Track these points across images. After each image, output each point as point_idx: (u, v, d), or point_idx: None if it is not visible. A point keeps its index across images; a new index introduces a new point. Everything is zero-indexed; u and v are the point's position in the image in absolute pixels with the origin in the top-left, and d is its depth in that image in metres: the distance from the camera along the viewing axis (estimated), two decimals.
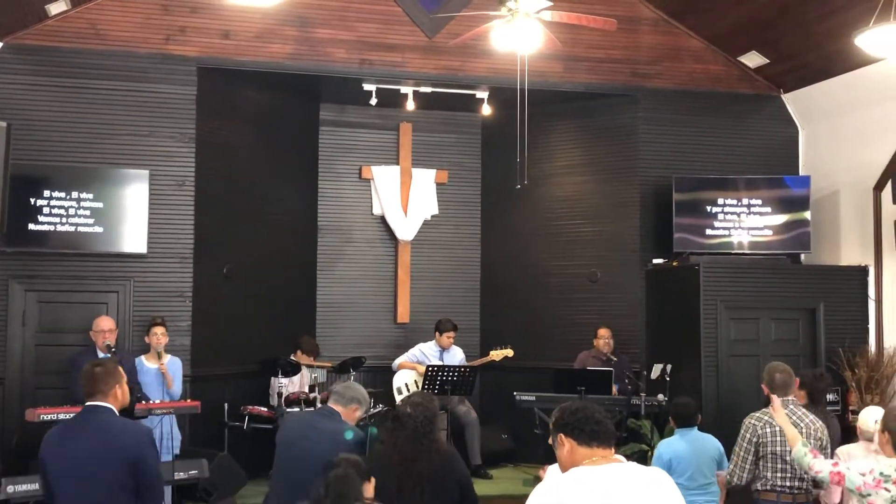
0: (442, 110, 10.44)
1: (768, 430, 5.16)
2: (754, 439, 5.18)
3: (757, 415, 5.29)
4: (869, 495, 4.40)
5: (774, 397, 5.23)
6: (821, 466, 4.71)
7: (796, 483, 5.12)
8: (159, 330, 7.83)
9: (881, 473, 4.36)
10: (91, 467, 3.98)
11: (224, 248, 9.07)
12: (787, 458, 5.10)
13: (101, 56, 8.54)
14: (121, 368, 4.34)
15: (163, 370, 7.70)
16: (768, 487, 5.16)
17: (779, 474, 5.13)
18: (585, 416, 3.16)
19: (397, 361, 9.40)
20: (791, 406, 5.26)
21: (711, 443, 6.03)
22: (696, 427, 6.10)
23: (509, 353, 9.31)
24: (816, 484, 5.21)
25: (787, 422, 5.06)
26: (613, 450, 3.18)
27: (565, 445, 3.18)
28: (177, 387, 7.79)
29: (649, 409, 8.23)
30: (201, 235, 8.73)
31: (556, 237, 10.23)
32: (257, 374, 8.83)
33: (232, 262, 9.15)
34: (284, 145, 9.90)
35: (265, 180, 9.62)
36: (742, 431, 5.28)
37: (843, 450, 5.66)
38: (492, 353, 9.36)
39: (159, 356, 7.77)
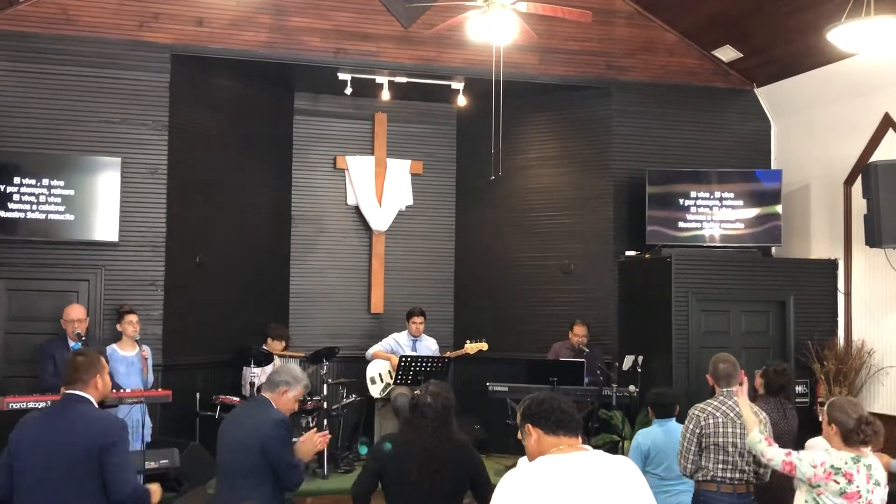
0: (417, 101, 10.44)
1: (711, 421, 5.18)
2: (697, 430, 5.20)
3: (701, 405, 5.29)
4: (819, 486, 4.44)
5: (744, 382, 5.26)
6: (773, 454, 4.72)
7: (737, 475, 5.14)
8: (134, 318, 7.79)
9: (832, 466, 4.40)
10: (59, 457, 3.97)
11: (196, 237, 9.02)
12: (730, 450, 5.12)
13: (72, 42, 8.45)
14: (104, 359, 4.30)
15: (145, 356, 7.68)
16: (709, 478, 5.18)
17: (720, 465, 5.15)
18: (551, 407, 3.20)
19: (371, 351, 9.40)
20: (735, 397, 5.26)
21: None
22: (674, 418, 6.12)
23: (484, 346, 9.32)
24: (759, 477, 5.24)
25: (747, 407, 5.08)
26: (581, 438, 3.22)
27: (532, 435, 3.23)
28: (151, 375, 7.77)
29: (620, 399, 8.27)
30: (173, 224, 8.68)
31: (530, 229, 10.26)
32: (229, 363, 8.78)
33: (204, 251, 9.11)
34: (258, 134, 9.85)
35: (238, 169, 9.57)
36: (686, 422, 5.28)
37: (811, 442, 5.68)
38: (467, 345, 9.37)
39: (137, 344, 7.74)
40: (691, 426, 5.22)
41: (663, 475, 5.90)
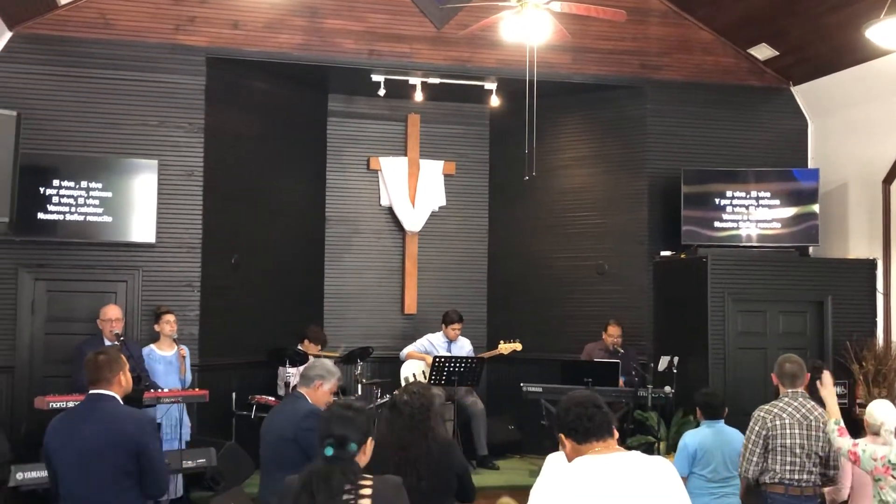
0: (450, 101, 10.44)
1: (777, 422, 5.14)
2: (763, 432, 5.16)
3: (766, 407, 5.26)
4: (880, 480, 4.49)
5: (827, 373, 5.28)
6: (841, 443, 4.86)
7: (804, 476, 5.10)
8: (172, 318, 7.87)
9: (889, 461, 4.44)
10: (94, 455, 4.02)
11: (232, 238, 9.09)
12: (797, 452, 5.09)
13: (110, 46, 8.55)
14: (123, 356, 4.37)
15: (183, 354, 7.76)
16: (776, 480, 5.14)
17: (787, 467, 5.11)
18: (578, 416, 3.19)
19: (405, 351, 9.43)
20: (801, 399, 5.24)
21: (737, 437, 5.95)
22: (722, 420, 6.06)
23: (518, 346, 9.31)
24: (827, 480, 5.20)
25: (833, 396, 5.09)
26: (616, 435, 3.21)
27: (566, 445, 3.24)
28: (189, 374, 7.86)
29: (656, 401, 8.23)
30: (209, 225, 8.75)
31: (564, 229, 10.23)
32: (265, 363, 8.84)
33: (240, 252, 9.18)
34: (293, 136, 9.91)
35: (273, 171, 9.64)
36: (751, 424, 5.25)
37: None
38: (500, 345, 9.37)
39: (176, 343, 7.82)
40: (756, 428, 5.18)
41: (710, 477, 5.85)
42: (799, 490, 5.11)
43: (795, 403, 5.19)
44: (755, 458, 5.18)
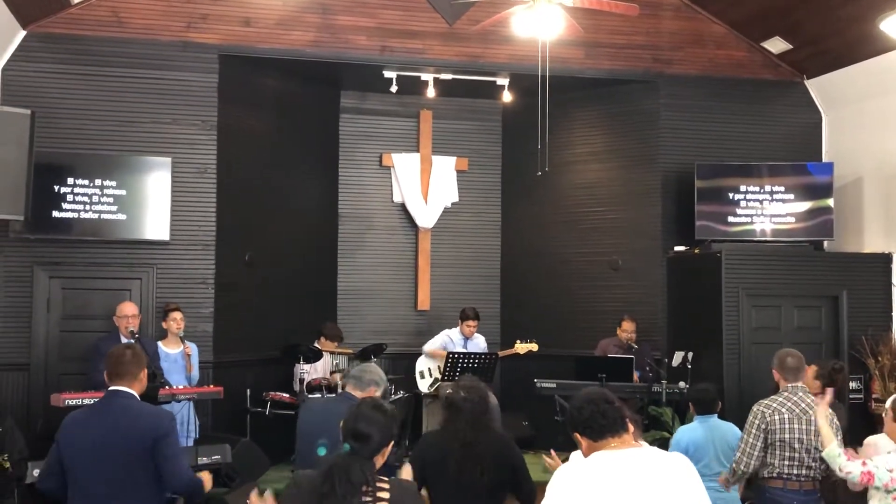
0: (462, 97, 10.43)
1: (777, 417, 5.10)
2: (763, 426, 5.13)
3: (766, 402, 5.22)
4: (895, 491, 4.41)
5: (830, 391, 5.21)
6: (851, 468, 4.69)
7: (803, 471, 5.06)
8: (178, 315, 7.87)
9: None
10: (111, 451, 4.02)
11: (246, 236, 9.11)
12: (796, 447, 5.05)
13: (123, 44, 8.58)
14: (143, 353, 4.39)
15: (188, 352, 7.77)
16: (774, 475, 5.11)
17: (786, 462, 5.08)
18: (592, 414, 3.18)
19: (428, 349, 9.35)
20: (801, 393, 5.20)
21: (730, 431, 5.96)
22: (715, 414, 6.06)
23: (534, 347, 9.26)
24: (829, 475, 5.15)
25: (825, 419, 4.99)
26: (631, 429, 3.20)
27: (582, 443, 3.25)
28: (196, 372, 7.86)
29: (670, 396, 8.20)
30: (223, 223, 8.77)
31: (577, 224, 10.21)
32: (279, 360, 8.87)
33: (254, 250, 9.20)
34: (305, 133, 9.93)
35: (286, 168, 9.66)
36: (750, 418, 5.21)
37: (870, 440, 5.59)
38: (517, 345, 9.32)
39: (182, 341, 7.84)
40: (756, 422, 5.15)
41: (702, 472, 5.80)
42: (797, 484, 5.08)
43: (795, 398, 5.15)
44: (755, 453, 5.14)
